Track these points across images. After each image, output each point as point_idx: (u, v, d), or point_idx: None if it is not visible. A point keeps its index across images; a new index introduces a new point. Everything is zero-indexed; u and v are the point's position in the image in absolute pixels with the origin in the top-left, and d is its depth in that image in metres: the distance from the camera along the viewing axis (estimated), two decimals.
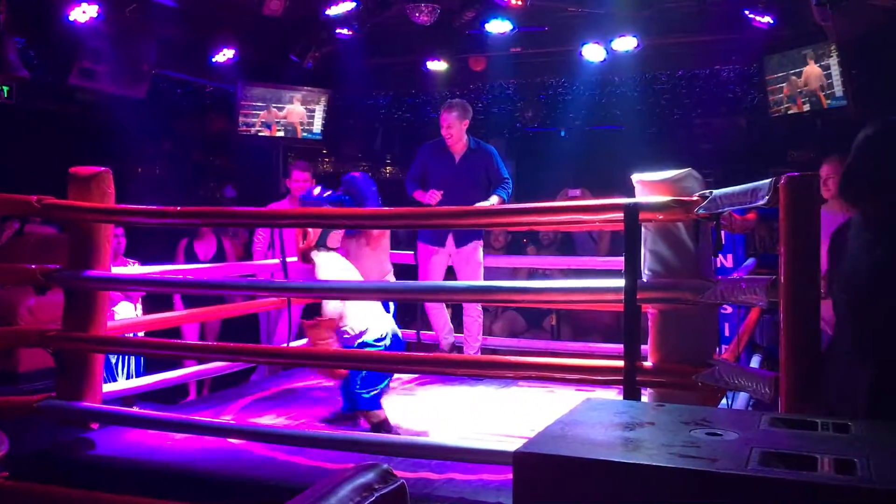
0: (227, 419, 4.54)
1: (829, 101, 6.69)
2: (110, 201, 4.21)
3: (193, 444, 4.01)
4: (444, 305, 5.97)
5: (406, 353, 5.48)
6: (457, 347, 5.93)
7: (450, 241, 5.74)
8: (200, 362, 5.07)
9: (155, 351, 4.67)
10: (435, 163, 5.78)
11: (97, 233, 4.20)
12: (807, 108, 6.87)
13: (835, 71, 6.57)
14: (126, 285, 4.84)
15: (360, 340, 4.29)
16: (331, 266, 4.44)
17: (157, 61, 7.09)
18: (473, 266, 5.77)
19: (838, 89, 6.56)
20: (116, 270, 4.91)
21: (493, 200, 5.58)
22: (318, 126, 8.27)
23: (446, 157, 5.77)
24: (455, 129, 5.66)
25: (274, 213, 5.32)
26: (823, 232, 4.83)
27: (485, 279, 5.71)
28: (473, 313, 5.86)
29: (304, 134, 8.25)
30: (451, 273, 5.86)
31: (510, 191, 5.75)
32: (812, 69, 6.80)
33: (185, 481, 3.63)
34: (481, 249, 5.87)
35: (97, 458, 3.88)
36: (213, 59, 7.34)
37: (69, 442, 4.05)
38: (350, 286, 4.34)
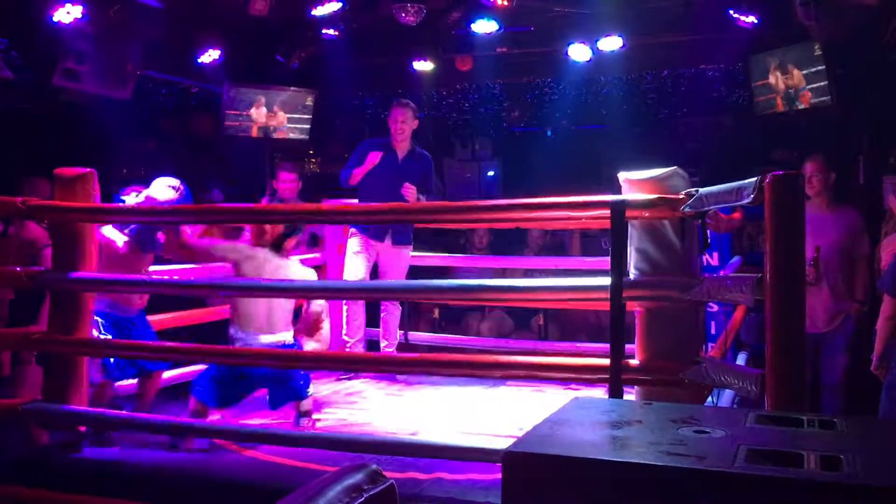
0: (214, 420, 4.52)
1: (812, 101, 6.73)
2: (95, 202, 4.19)
3: (181, 446, 4.00)
4: (363, 305, 5.95)
5: (394, 354, 5.50)
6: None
7: (387, 238, 5.77)
8: (188, 364, 5.04)
9: (140, 353, 4.65)
10: (381, 158, 5.73)
11: (82, 234, 4.18)
12: (791, 107, 6.91)
13: (819, 70, 6.60)
14: (110, 287, 4.81)
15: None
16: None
17: (141, 62, 7.04)
18: (404, 267, 5.85)
19: (823, 89, 6.60)
20: None
21: (423, 198, 5.63)
22: (304, 127, 8.25)
23: (390, 154, 5.77)
24: (407, 126, 5.73)
25: (263, 210, 5.29)
26: (806, 228, 4.91)
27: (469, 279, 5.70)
28: (395, 311, 5.92)
29: (290, 134, 8.23)
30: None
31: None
32: (775, 74, 6.86)
33: (172, 483, 3.61)
34: (410, 251, 5.93)
35: (84, 462, 3.86)
36: (199, 60, 7.30)
37: (55, 445, 4.02)
38: (332, 286, 4.34)
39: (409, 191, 5.54)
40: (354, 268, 5.71)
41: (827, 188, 5.16)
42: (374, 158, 5.62)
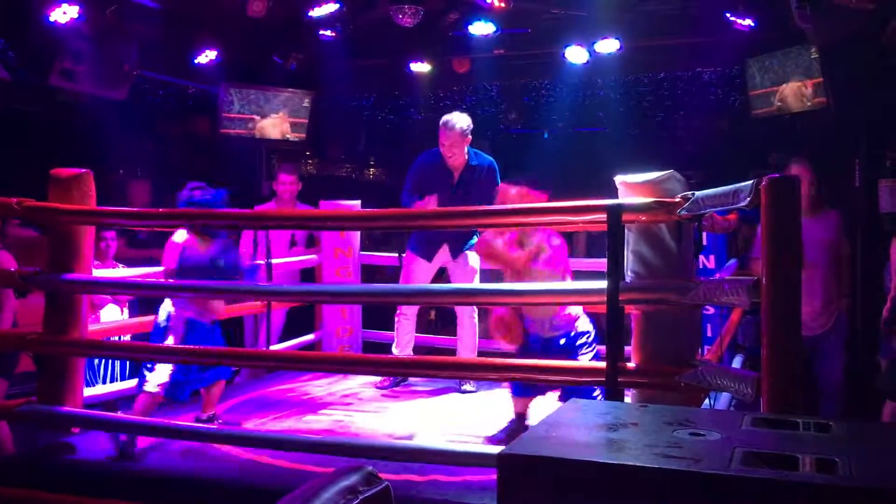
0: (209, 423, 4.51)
1: (809, 104, 6.74)
2: (91, 203, 4.18)
3: (175, 449, 3.99)
4: (414, 322, 5.70)
5: (392, 356, 5.49)
6: None
7: (445, 252, 5.48)
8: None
9: (135, 354, 4.65)
10: (431, 180, 5.37)
11: (78, 235, 4.17)
12: (788, 110, 6.92)
13: (816, 74, 6.62)
14: (106, 288, 4.81)
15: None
16: None
17: (138, 62, 7.03)
18: (469, 275, 5.52)
19: (819, 92, 6.61)
20: (104, 273, 4.88)
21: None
22: (301, 128, 8.25)
23: (444, 174, 5.37)
24: (457, 149, 5.28)
25: (259, 215, 5.30)
26: None
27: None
28: (467, 323, 5.59)
29: (287, 136, 8.23)
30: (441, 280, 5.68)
31: None
32: (772, 77, 6.88)
33: (167, 486, 3.61)
34: (476, 257, 5.49)
35: (78, 463, 3.85)
36: (196, 61, 7.30)
37: (50, 446, 4.01)
38: (326, 289, 4.33)
39: None
40: (409, 281, 5.47)
41: (810, 192, 5.14)
42: (429, 202, 5.20)
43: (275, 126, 8.14)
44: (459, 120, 5.31)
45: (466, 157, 5.42)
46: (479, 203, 5.25)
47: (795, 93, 6.86)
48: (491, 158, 5.58)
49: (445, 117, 5.36)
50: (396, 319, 5.66)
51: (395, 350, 5.65)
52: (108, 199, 5.18)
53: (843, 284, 5.21)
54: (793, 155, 5.45)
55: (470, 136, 5.38)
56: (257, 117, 8.06)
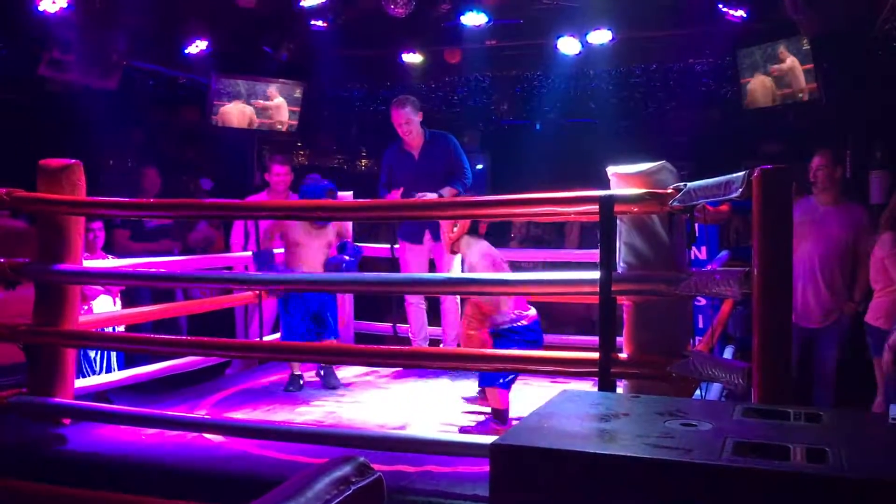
0: (201, 414, 4.51)
1: (800, 95, 6.76)
2: (81, 194, 4.15)
3: (167, 440, 3.98)
4: (424, 307, 5.84)
5: (383, 347, 5.49)
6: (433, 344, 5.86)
7: (427, 235, 5.63)
8: (174, 357, 5.02)
9: (126, 345, 4.63)
10: (397, 165, 5.66)
11: (68, 226, 4.15)
12: (779, 101, 6.94)
13: (807, 64, 6.64)
14: (97, 279, 4.78)
15: (515, 324, 4.15)
16: (482, 252, 4.34)
17: (128, 52, 7.00)
18: (450, 260, 5.59)
19: (811, 82, 6.63)
20: (93, 264, 4.86)
21: (444, 192, 5.42)
22: (292, 118, 8.22)
23: (406, 156, 5.64)
24: (412, 126, 5.52)
25: (249, 206, 5.27)
26: (805, 218, 4.93)
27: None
28: (451, 306, 5.70)
29: (278, 126, 8.20)
30: (433, 268, 5.75)
31: (468, 181, 5.59)
32: (784, 66, 6.87)
33: (158, 477, 3.60)
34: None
35: (68, 454, 3.84)
36: (186, 51, 7.26)
37: (40, 438, 4.00)
38: (324, 279, 4.32)
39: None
40: (405, 269, 5.62)
41: (833, 183, 5.13)
42: (394, 195, 5.45)
43: (265, 117, 8.11)
44: (408, 98, 5.60)
45: (423, 136, 5.62)
46: (445, 173, 5.51)
47: (764, 86, 6.89)
48: (450, 135, 5.77)
49: (393, 101, 5.62)
50: (406, 309, 5.83)
51: (412, 338, 5.82)
52: (117, 188, 5.17)
53: (858, 287, 5.05)
54: (784, 145, 5.46)
55: (420, 113, 5.60)
56: (248, 108, 8.03)
